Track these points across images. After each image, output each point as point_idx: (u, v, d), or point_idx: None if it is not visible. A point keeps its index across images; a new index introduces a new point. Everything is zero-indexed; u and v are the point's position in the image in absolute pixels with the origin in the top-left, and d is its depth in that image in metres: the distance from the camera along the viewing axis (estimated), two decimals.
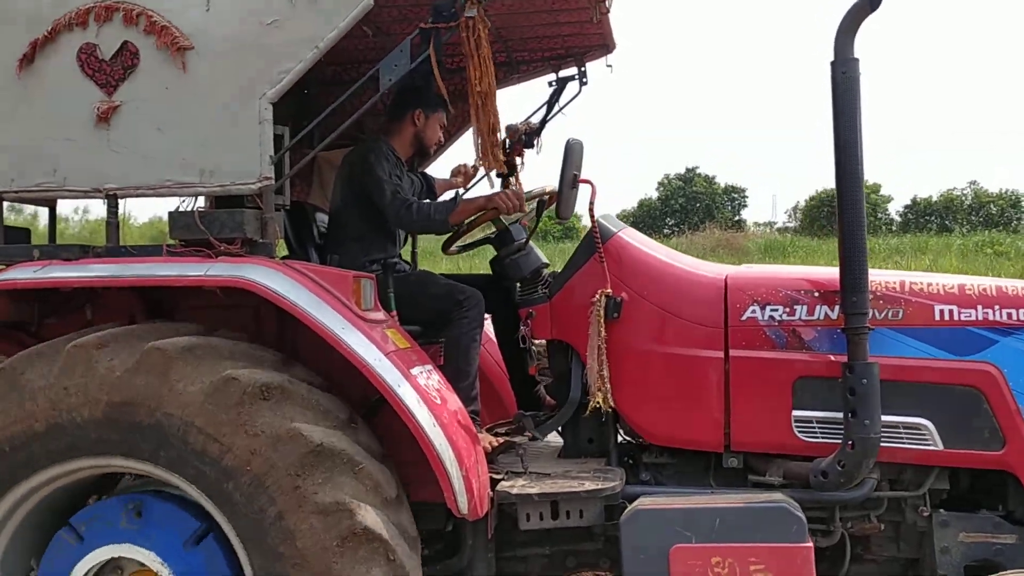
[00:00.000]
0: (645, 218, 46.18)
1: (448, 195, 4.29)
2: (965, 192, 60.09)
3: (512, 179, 4.07)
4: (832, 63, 3.02)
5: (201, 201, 3.21)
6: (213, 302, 3.11)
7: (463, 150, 4.62)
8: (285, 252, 3.96)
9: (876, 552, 3.32)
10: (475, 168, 4.25)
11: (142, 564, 2.91)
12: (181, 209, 3.14)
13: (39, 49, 3.13)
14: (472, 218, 3.63)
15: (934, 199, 56.19)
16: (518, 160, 4.08)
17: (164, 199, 3.15)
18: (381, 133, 3.90)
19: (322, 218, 4.12)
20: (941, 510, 3.22)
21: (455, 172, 4.31)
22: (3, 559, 3.00)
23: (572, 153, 3.29)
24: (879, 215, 56.60)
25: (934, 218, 55.02)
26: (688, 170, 51.74)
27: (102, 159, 3.11)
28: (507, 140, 4.07)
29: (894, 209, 57.16)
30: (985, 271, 16.71)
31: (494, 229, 3.80)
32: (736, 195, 54.57)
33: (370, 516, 2.71)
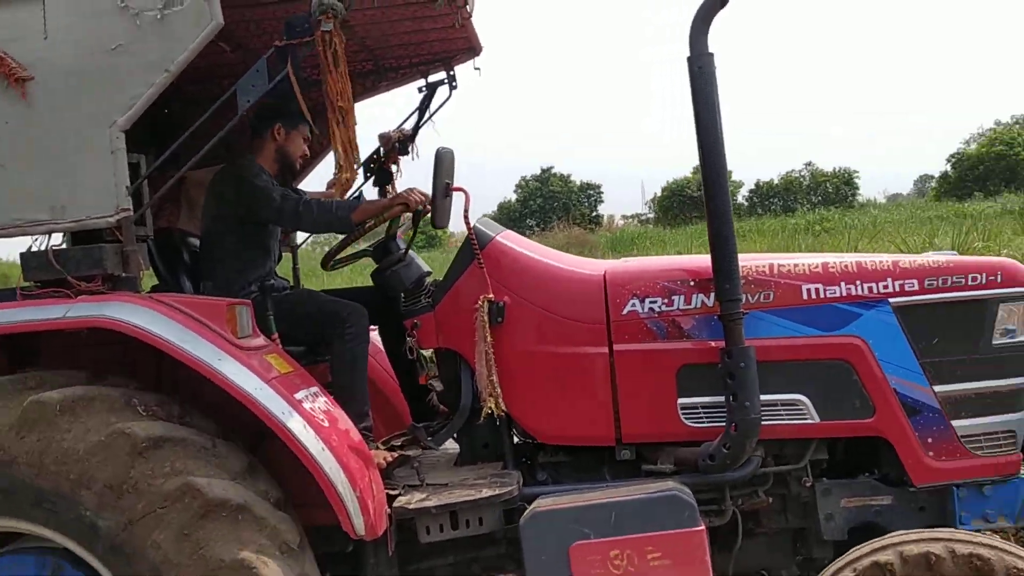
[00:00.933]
0: (505, 220, 47.02)
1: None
2: (803, 173, 63.42)
3: (389, 187, 4.04)
4: (688, 59, 3.09)
5: (58, 238, 3.03)
6: (81, 343, 2.95)
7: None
8: (156, 282, 3.81)
9: (766, 525, 3.44)
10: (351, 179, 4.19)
11: None
12: (34, 248, 2.96)
13: None
14: (376, 218, 3.57)
15: (775, 182, 59.10)
16: (393, 168, 4.07)
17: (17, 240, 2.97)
18: (247, 151, 3.79)
19: (195, 243, 3.97)
20: (823, 479, 3.37)
21: (331, 184, 4.21)
22: None
23: (443, 162, 3.28)
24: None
25: (777, 200, 57.83)
26: (543, 170, 52.91)
27: None
28: (381, 149, 4.05)
29: (741, 195, 59.91)
30: (809, 249, 17.62)
31: (368, 245, 3.76)
32: (592, 191, 56.05)
33: (217, 488, 2.64)
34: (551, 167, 53.53)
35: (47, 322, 2.75)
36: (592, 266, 3.52)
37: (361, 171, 4.23)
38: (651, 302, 3.31)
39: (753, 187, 60.51)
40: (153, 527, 2.59)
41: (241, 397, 2.75)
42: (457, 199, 3.38)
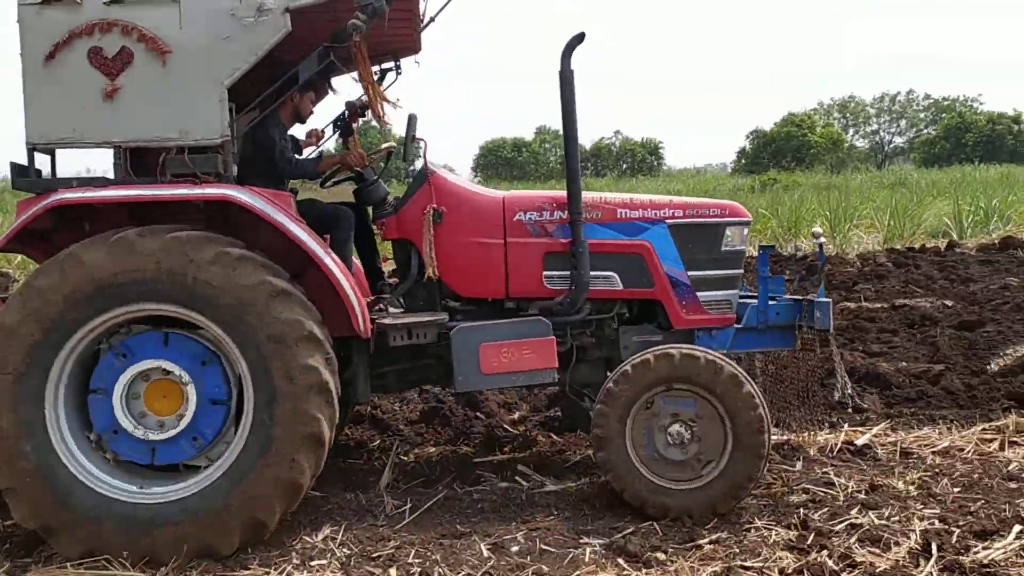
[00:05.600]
0: None
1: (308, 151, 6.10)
2: (613, 141, 67.22)
3: (350, 139, 5.96)
4: (559, 72, 5.26)
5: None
6: (171, 214, 4.77)
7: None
8: None
9: (590, 354, 5.72)
10: (323, 131, 6.07)
11: (165, 372, 4.64)
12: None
13: (59, 50, 4.62)
14: (333, 169, 5.58)
15: (587, 147, 62.81)
16: (354, 125, 5.99)
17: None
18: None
19: None
20: (623, 326, 5.69)
21: (309, 134, 6.07)
22: (67, 368, 4.59)
23: (412, 121, 5.33)
24: (540, 163, 62.79)
25: (589, 164, 61.48)
26: None
27: (110, 122, 4.69)
28: (345, 111, 5.95)
29: (553, 159, 63.38)
30: None
31: (351, 172, 5.72)
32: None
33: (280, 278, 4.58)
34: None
35: (195, 195, 4.63)
36: (495, 193, 5.66)
37: (331, 127, 6.13)
38: (531, 214, 5.50)
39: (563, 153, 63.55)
40: (247, 303, 4.52)
41: (307, 249, 4.73)
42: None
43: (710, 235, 5.67)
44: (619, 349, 5.65)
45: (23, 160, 4.81)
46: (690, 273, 5.60)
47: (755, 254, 6.94)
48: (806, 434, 6.25)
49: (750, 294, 6.11)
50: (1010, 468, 5.70)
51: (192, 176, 4.72)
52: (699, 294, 5.62)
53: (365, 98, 5.85)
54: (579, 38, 5.25)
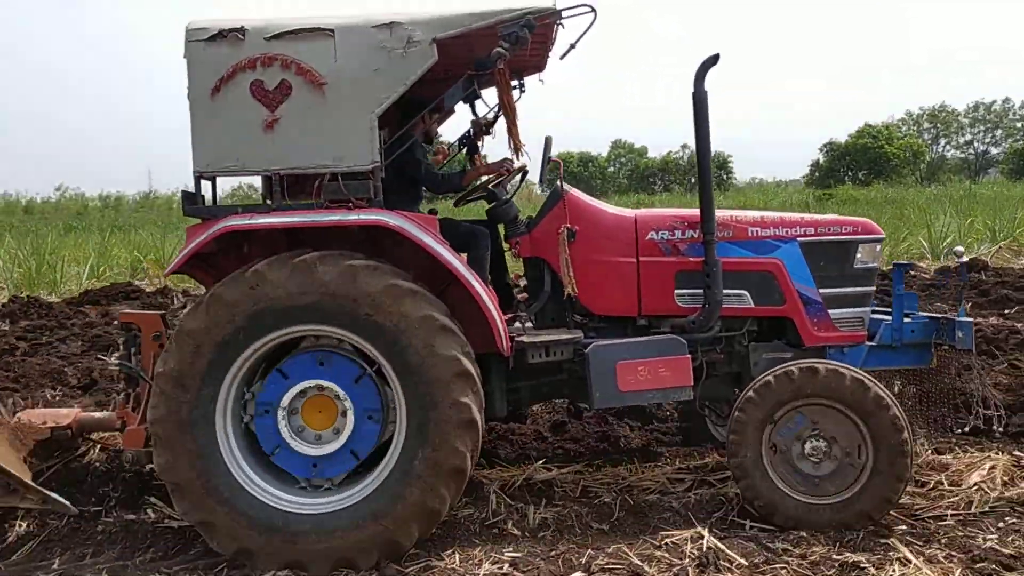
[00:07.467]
0: None
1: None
2: (681, 155, 67.36)
3: (476, 156, 6.14)
4: (693, 94, 5.36)
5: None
6: (325, 237, 4.97)
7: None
8: None
9: (719, 370, 5.79)
10: (450, 147, 6.28)
11: (320, 390, 4.85)
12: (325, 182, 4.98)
13: (224, 83, 4.87)
14: (472, 185, 5.75)
15: (656, 159, 62.68)
16: (479, 143, 6.17)
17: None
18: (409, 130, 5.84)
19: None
20: (753, 342, 5.76)
21: (436, 151, 6.32)
22: (236, 382, 4.83)
23: (548, 144, 5.48)
24: (607, 180, 62.80)
25: (657, 179, 61.47)
26: None
27: (269, 151, 4.90)
28: (471, 129, 6.13)
29: (622, 175, 63.49)
30: None
31: (484, 192, 5.89)
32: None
33: (440, 314, 4.76)
34: None
35: (353, 221, 4.82)
36: (627, 212, 5.76)
37: (456, 144, 6.34)
38: (663, 233, 5.60)
39: (632, 167, 63.87)
40: (411, 335, 4.73)
41: (453, 269, 4.89)
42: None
43: (841, 253, 5.70)
44: (749, 365, 5.71)
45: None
46: (821, 291, 5.64)
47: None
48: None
49: (883, 309, 6.11)
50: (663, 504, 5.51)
51: (346, 201, 4.91)
52: (830, 311, 5.64)
53: (491, 116, 6.03)
54: (713, 59, 5.33)
